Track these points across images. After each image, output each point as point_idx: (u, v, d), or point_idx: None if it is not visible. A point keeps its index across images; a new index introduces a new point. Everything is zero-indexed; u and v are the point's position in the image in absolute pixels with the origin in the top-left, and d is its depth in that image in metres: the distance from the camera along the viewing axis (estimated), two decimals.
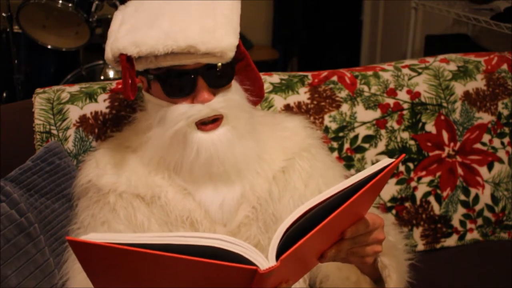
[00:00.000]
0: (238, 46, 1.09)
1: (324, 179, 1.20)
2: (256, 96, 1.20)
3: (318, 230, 0.81)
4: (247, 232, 1.13)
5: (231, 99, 1.09)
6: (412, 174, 1.59)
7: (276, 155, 1.19)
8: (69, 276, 1.13)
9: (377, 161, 1.55)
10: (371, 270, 1.11)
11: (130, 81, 1.05)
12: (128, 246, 0.71)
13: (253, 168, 1.15)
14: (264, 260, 0.78)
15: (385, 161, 0.88)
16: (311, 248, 0.87)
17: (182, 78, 1.05)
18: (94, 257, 0.74)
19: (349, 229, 0.91)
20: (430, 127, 1.60)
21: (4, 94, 2.85)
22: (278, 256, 0.79)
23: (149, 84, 1.12)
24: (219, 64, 1.06)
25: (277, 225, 1.14)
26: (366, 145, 1.55)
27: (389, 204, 1.58)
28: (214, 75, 1.06)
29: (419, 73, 1.61)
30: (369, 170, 0.87)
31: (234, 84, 1.13)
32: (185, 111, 1.06)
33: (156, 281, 0.79)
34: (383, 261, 1.10)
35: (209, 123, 1.07)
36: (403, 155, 0.93)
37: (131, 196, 1.13)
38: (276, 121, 1.25)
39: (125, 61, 1.04)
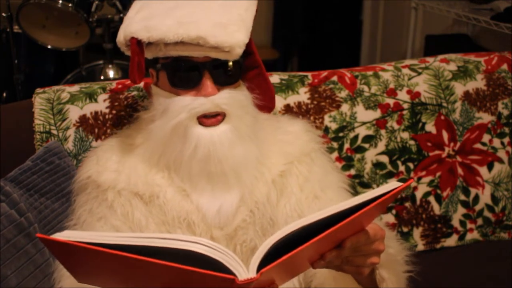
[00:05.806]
0: (253, 54, 1.10)
1: (321, 185, 1.19)
2: (266, 107, 1.20)
3: (311, 244, 0.79)
4: (244, 235, 1.12)
5: (235, 98, 1.09)
6: (412, 174, 1.58)
7: (277, 159, 1.18)
8: (59, 281, 1.12)
9: (377, 161, 1.56)
10: (368, 281, 1.07)
11: (137, 65, 1.07)
12: (100, 247, 0.70)
13: (252, 173, 1.14)
14: (244, 271, 0.76)
15: (393, 184, 0.87)
16: (304, 256, 0.85)
17: (189, 69, 1.06)
18: (69, 255, 0.74)
19: (349, 239, 0.88)
20: (430, 127, 1.60)
21: (4, 94, 2.84)
22: (262, 266, 0.76)
23: (157, 77, 1.13)
24: (230, 63, 1.07)
25: (274, 229, 1.13)
26: (366, 145, 1.55)
27: (389, 204, 1.57)
28: (221, 72, 1.07)
29: (419, 73, 1.61)
30: (376, 191, 0.85)
31: (242, 86, 1.13)
32: (187, 104, 1.06)
33: (133, 279, 0.79)
34: (382, 273, 1.06)
35: (211, 117, 1.07)
36: (412, 180, 0.91)
37: (130, 194, 1.12)
38: (279, 125, 1.24)
39: (135, 44, 1.06)
